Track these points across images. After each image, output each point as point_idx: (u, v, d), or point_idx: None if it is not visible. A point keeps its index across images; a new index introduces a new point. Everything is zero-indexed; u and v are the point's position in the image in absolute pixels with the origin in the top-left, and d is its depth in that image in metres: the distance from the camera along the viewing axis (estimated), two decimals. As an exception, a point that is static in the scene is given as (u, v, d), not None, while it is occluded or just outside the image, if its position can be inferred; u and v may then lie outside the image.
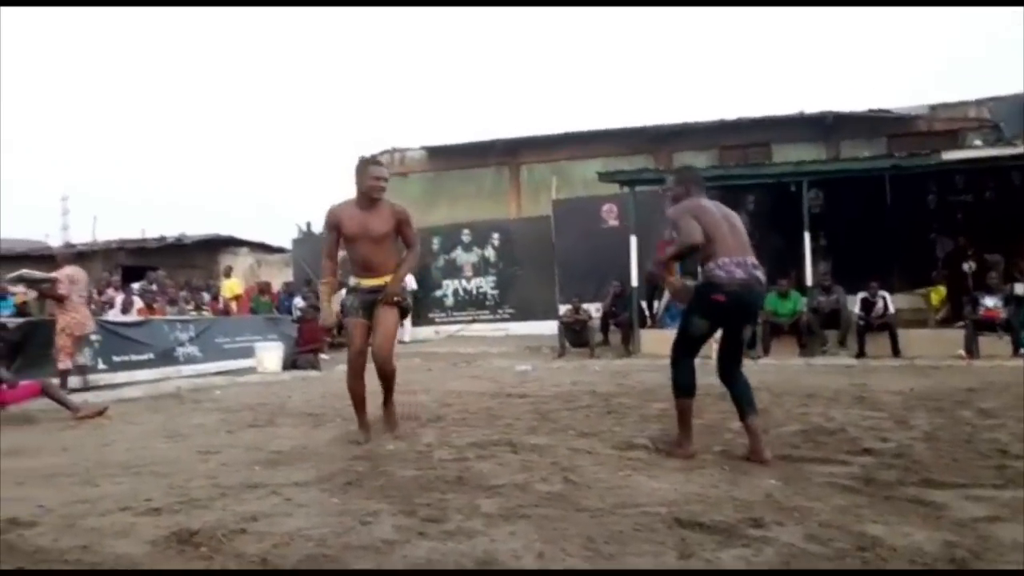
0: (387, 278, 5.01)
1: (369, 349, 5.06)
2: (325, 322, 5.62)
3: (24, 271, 9.79)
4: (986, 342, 10.80)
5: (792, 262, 12.52)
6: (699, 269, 4.38)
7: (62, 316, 8.56)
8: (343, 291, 5.88)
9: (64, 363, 8.53)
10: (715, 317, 4.23)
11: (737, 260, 4.10)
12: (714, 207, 4.32)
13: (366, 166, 4.98)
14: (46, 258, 20.13)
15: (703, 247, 4.12)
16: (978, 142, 14.56)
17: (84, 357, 9.22)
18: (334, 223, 4.99)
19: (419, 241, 5.41)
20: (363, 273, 5.07)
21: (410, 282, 11.40)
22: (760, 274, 4.18)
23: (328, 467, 4.24)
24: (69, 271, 8.70)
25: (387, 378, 5.15)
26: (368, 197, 4.94)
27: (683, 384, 4.33)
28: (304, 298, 13.99)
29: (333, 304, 5.45)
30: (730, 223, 4.27)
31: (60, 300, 8.52)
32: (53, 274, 8.69)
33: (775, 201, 13.75)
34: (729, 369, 4.36)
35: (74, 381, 8.74)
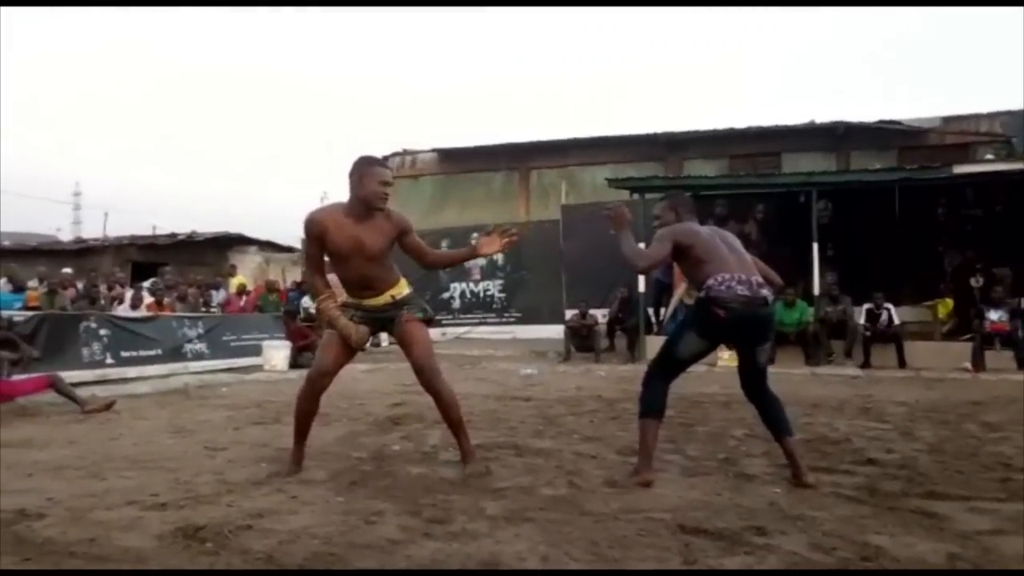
0: (393, 292, 4.09)
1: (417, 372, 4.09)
2: (355, 339, 4.03)
3: None
4: (992, 356, 10.79)
5: (800, 272, 12.49)
6: (696, 295, 3.92)
7: None
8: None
9: None
10: (715, 335, 3.91)
11: (739, 277, 3.76)
12: (708, 230, 4.06)
13: (370, 167, 3.93)
14: (56, 253, 20.31)
15: (694, 264, 3.88)
16: (989, 156, 14.52)
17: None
18: (318, 235, 3.94)
19: None
20: (360, 292, 4.09)
21: None
22: (767, 292, 3.85)
23: (334, 466, 4.27)
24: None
25: (451, 405, 4.12)
26: (368, 206, 3.92)
27: (652, 404, 3.90)
28: (313, 298, 13.97)
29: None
30: (729, 244, 4.00)
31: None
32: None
33: (784, 211, 13.72)
34: (753, 388, 4.00)
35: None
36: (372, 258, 3.98)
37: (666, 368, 3.96)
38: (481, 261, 16.91)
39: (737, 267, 3.83)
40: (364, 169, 3.91)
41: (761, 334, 3.90)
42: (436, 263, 4.52)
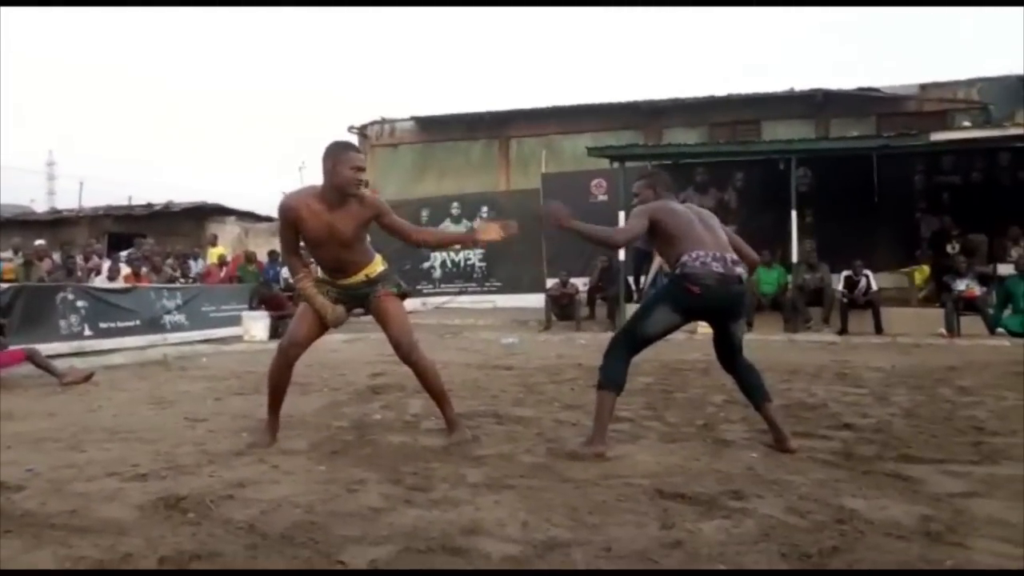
0: (367, 271, 4.11)
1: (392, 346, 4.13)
2: (333, 319, 4.06)
3: None
4: (967, 321, 10.93)
5: (779, 239, 12.59)
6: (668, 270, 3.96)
7: None
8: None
9: None
10: (688, 312, 3.87)
11: (714, 254, 3.75)
12: (684, 208, 4.05)
13: (343, 152, 3.89)
14: (31, 223, 20.06)
15: (668, 241, 3.89)
16: (967, 123, 14.59)
17: None
18: (291, 220, 3.94)
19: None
20: (334, 274, 4.13)
21: None
22: (741, 270, 3.82)
23: (315, 436, 4.28)
24: None
25: (432, 376, 4.15)
26: (342, 192, 3.88)
27: (611, 377, 3.84)
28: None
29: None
30: (705, 222, 3.97)
31: None
32: None
33: (763, 178, 13.79)
34: (729, 360, 4.04)
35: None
36: (346, 244, 3.99)
37: (633, 340, 3.94)
38: (461, 230, 16.85)
39: (712, 244, 3.83)
40: (336, 155, 3.87)
41: (735, 311, 3.90)
42: (424, 243, 4.52)
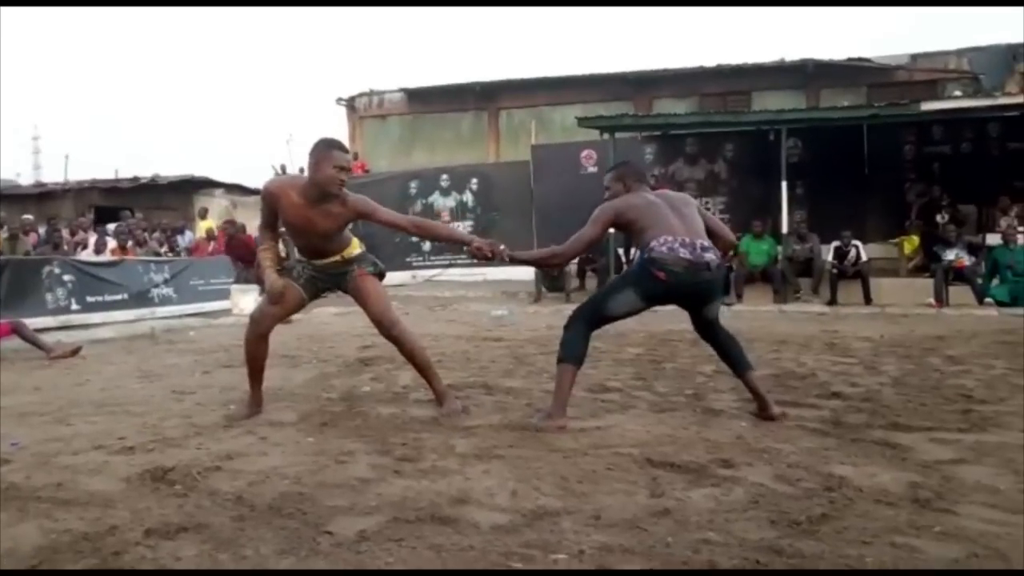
0: (344, 252, 4.12)
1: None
2: (272, 291, 4.00)
3: None
4: (955, 291, 10.94)
5: (768, 210, 12.58)
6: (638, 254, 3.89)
7: None
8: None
9: None
10: (652, 298, 3.79)
11: (683, 240, 3.66)
12: (653, 197, 3.95)
13: (328, 150, 3.83)
14: (17, 197, 19.86)
15: (638, 233, 3.81)
16: (957, 93, 14.57)
17: None
18: (271, 205, 4.00)
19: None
20: (310, 255, 4.15)
21: None
22: (711, 257, 3.69)
23: (304, 407, 4.27)
24: None
25: (415, 350, 4.19)
26: (322, 190, 3.84)
27: (572, 350, 3.81)
28: (284, 241, 13.69)
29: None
30: (675, 208, 3.86)
31: None
32: None
33: (754, 149, 13.75)
34: (706, 332, 4.00)
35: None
36: (323, 237, 4.01)
37: (594, 317, 3.90)
38: (451, 203, 16.81)
39: (681, 230, 3.74)
40: (321, 152, 3.84)
41: (704, 298, 3.84)
42: (423, 234, 4.50)
